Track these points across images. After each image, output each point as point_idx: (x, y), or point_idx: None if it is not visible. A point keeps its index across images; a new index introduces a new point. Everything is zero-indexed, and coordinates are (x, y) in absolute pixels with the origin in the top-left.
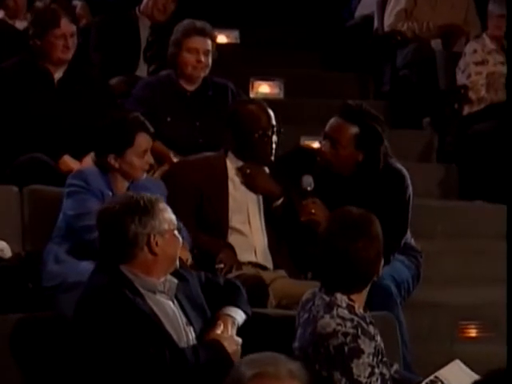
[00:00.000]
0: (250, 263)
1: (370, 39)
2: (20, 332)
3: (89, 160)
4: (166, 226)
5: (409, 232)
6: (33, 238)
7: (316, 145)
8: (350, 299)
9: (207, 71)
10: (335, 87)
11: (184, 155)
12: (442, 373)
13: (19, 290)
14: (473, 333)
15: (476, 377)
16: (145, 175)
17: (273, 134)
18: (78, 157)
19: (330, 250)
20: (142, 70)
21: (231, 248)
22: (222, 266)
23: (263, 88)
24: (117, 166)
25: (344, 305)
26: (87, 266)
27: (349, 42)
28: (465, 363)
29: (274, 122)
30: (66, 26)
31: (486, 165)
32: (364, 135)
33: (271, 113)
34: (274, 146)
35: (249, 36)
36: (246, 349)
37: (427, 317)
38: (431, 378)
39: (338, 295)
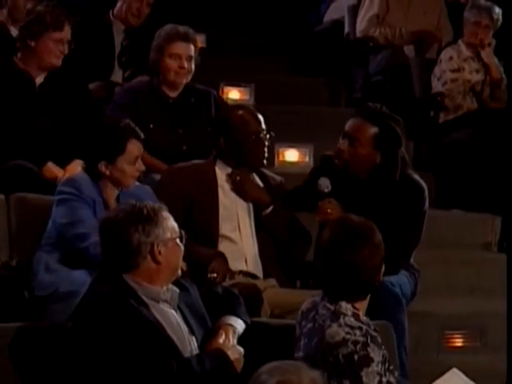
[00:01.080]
0: (241, 272)
1: (341, 44)
2: (19, 341)
3: (73, 167)
4: (169, 235)
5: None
6: (20, 247)
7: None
8: (355, 307)
9: (190, 77)
10: (306, 93)
11: (167, 163)
12: (440, 382)
13: (15, 300)
14: (459, 342)
15: None
16: (132, 184)
17: (265, 137)
18: (61, 163)
19: (335, 260)
20: (117, 76)
21: (223, 257)
22: (214, 275)
23: (233, 94)
24: (108, 173)
25: (349, 313)
26: (80, 275)
27: (318, 47)
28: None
29: (264, 126)
30: (67, 32)
31: (462, 173)
32: (383, 135)
33: (261, 117)
34: (266, 149)
35: (215, 40)
36: (246, 358)
37: (414, 327)
38: None
39: (343, 304)
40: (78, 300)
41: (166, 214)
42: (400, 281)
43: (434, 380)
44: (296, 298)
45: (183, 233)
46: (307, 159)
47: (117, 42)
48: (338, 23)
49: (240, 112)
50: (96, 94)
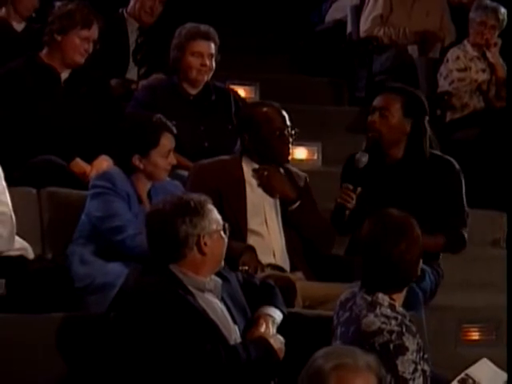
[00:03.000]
0: (269, 265)
1: (344, 44)
2: (64, 330)
3: (100, 162)
4: (214, 227)
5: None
6: (52, 241)
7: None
8: (391, 298)
9: (211, 75)
10: (309, 92)
11: (190, 159)
12: (472, 371)
13: (55, 291)
14: (475, 335)
15: (503, 374)
16: (165, 177)
17: (289, 133)
18: (86, 159)
19: (374, 254)
20: (132, 73)
21: (253, 250)
22: (246, 268)
23: (239, 92)
24: (141, 166)
25: (386, 304)
26: (115, 267)
27: (321, 47)
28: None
29: (288, 122)
30: (95, 31)
31: (469, 171)
32: (410, 102)
33: (285, 113)
34: (290, 146)
35: (220, 40)
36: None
37: (432, 320)
38: (462, 376)
39: (380, 295)
40: (115, 291)
41: (211, 206)
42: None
43: (453, 372)
44: (324, 290)
45: (227, 225)
46: (315, 157)
47: (131, 40)
48: (340, 23)
49: (264, 109)
50: (115, 91)
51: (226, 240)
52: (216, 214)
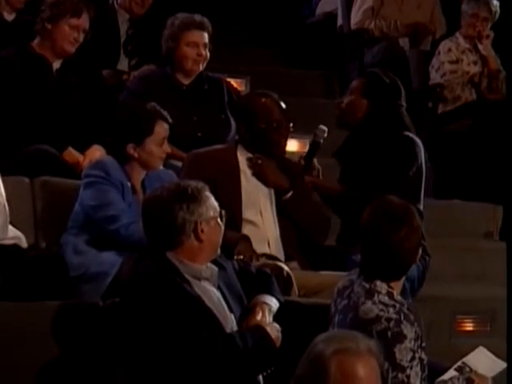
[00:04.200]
0: (264, 255)
1: (334, 37)
2: (60, 318)
3: (92, 152)
4: (211, 214)
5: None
6: (45, 230)
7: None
8: (390, 286)
9: (205, 65)
10: (300, 85)
11: (183, 150)
12: (469, 359)
13: (49, 279)
14: (470, 327)
15: (500, 362)
16: (160, 166)
17: (286, 126)
18: (79, 148)
19: (373, 241)
20: (123, 64)
21: (248, 240)
22: (241, 257)
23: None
24: (136, 155)
25: (384, 291)
26: (109, 257)
27: (311, 39)
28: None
29: (286, 115)
30: (85, 20)
31: (461, 163)
32: (369, 84)
33: (283, 105)
34: (286, 138)
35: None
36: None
37: (426, 311)
38: (459, 364)
39: (378, 282)
40: (109, 280)
41: (208, 193)
42: None
43: (446, 362)
44: (319, 279)
45: (224, 212)
46: (307, 149)
47: (122, 31)
48: (331, 15)
49: (263, 100)
50: (106, 81)
51: (223, 227)
52: (213, 201)
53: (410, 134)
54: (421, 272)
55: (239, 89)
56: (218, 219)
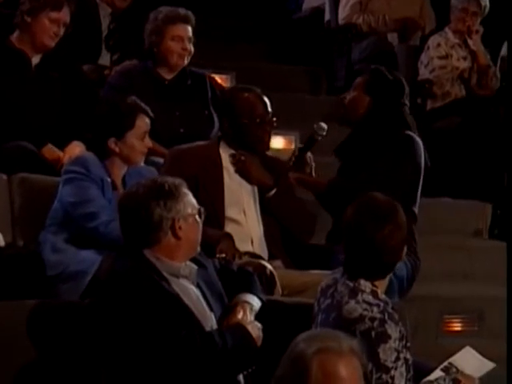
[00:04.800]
0: (247, 253)
1: (322, 32)
2: (36, 317)
3: (72, 148)
4: (189, 210)
5: (415, 236)
6: (23, 227)
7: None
8: (374, 285)
9: (189, 59)
10: (286, 81)
11: (165, 146)
12: (455, 359)
13: (27, 278)
14: (457, 327)
15: (487, 362)
16: (141, 161)
17: (270, 121)
18: (59, 145)
19: (357, 238)
20: (105, 59)
21: (231, 238)
22: (223, 255)
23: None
24: (117, 149)
25: (368, 290)
26: (88, 255)
27: (298, 35)
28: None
29: (270, 110)
30: (66, 14)
31: (450, 161)
32: (372, 81)
33: (267, 100)
34: (270, 134)
35: (195, 27)
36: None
37: (412, 311)
38: (445, 364)
39: (362, 281)
40: (88, 279)
41: (185, 189)
42: None
43: (433, 362)
44: (303, 278)
45: (202, 209)
46: (293, 146)
47: (104, 26)
48: (318, 10)
49: (246, 94)
50: (87, 76)
51: (201, 224)
52: (191, 198)
53: (411, 133)
54: (410, 272)
55: (224, 85)
56: (197, 216)
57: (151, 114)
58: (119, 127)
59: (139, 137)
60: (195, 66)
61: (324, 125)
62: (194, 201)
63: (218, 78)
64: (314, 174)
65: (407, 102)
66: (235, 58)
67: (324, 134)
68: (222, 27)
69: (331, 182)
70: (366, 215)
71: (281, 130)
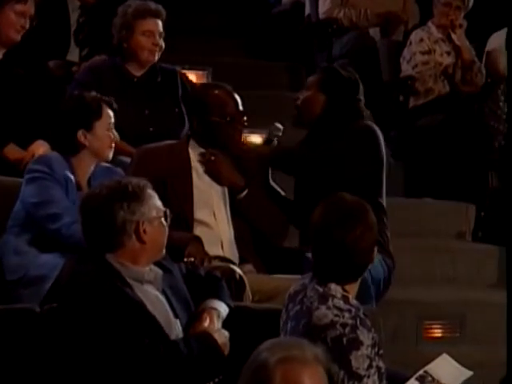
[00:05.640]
0: (217, 257)
1: (302, 26)
2: None
3: (36, 148)
4: (154, 213)
5: (388, 233)
6: None
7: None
8: (344, 290)
9: (159, 55)
10: (265, 78)
11: (133, 145)
12: (431, 367)
13: None
14: (438, 333)
15: (464, 370)
16: (111, 155)
17: (242, 119)
18: (22, 144)
19: (326, 240)
20: (74, 54)
21: (200, 241)
22: (191, 259)
23: (190, 78)
24: (87, 143)
25: (339, 295)
26: (50, 259)
27: (277, 30)
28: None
29: (241, 108)
30: (31, 6)
31: (433, 160)
32: (326, 78)
33: (238, 97)
34: (242, 133)
35: (169, 21)
36: (230, 343)
37: (391, 316)
38: (420, 373)
39: (332, 286)
40: (49, 285)
41: (151, 191)
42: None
43: (413, 370)
44: (275, 283)
45: (168, 212)
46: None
47: (72, 19)
48: (298, 4)
49: (216, 91)
50: (54, 73)
51: (167, 227)
52: (156, 200)
53: (369, 123)
54: (387, 273)
55: (200, 81)
56: (162, 219)
57: (115, 106)
58: (87, 118)
59: (107, 127)
60: (169, 62)
61: (279, 125)
62: (159, 203)
63: (193, 75)
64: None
65: (362, 98)
66: (212, 53)
67: (280, 134)
68: (199, 21)
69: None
70: (334, 216)
71: (258, 127)
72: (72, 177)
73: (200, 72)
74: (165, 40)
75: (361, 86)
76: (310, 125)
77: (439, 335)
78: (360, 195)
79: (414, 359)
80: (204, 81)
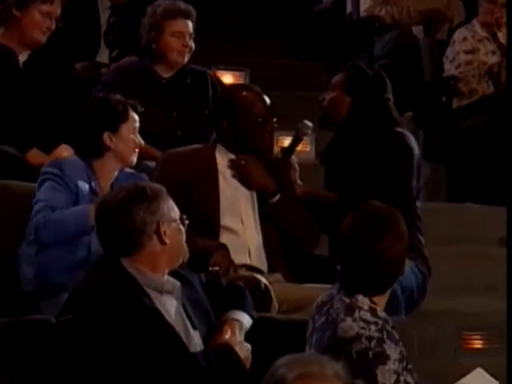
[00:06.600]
0: (244, 266)
1: (343, 25)
2: (7, 338)
3: (59, 152)
4: (172, 215)
5: (422, 238)
6: (2, 238)
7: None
8: (372, 301)
9: (189, 56)
10: (305, 78)
11: (161, 149)
12: (465, 381)
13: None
14: (478, 344)
15: None
16: (135, 160)
17: (272, 121)
18: (46, 149)
19: (353, 250)
20: (103, 56)
21: (226, 249)
22: (216, 268)
23: (226, 79)
24: (112, 145)
25: (366, 307)
26: (70, 268)
27: (318, 29)
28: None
29: (271, 109)
30: (57, 7)
31: (476, 164)
32: (352, 78)
33: (267, 99)
34: (273, 135)
35: (207, 21)
36: (253, 356)
37: (430, 327)
38: None
39: (360, 297)
40: (67, 294)
41: (167, 195)
42: None
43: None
44: (304, 293)
45: (184, 217)
46: (309, 149)
47: (103, 20)
48: (340, 2)
49: (245, 93)
50: (81, 74)
51: (184, 233)
52: (173, 203)
53: (402, 130)
54: (421, 281)
55: (237, 82)
56: (180, 224)
57: (140, 110)
58: (113, 120)
59: (133, 131)
60: (205, 62)
61: (309, 122)
62: (175, 207)
63: (230, 76)
64: (297, 178)
65: (391, 97)
66: (251, 53)
67: (309, 132)
68: (237, 20)
69: (341, 197)
70: (363, 225)
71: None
72: (86, 185)
73: (237, 73)
74: (201, 40)
75: (389, 84)
76: (335, 127)
77: (479, 346)
78: (392, 203)
79: (452, 371)
80: (241, 82)
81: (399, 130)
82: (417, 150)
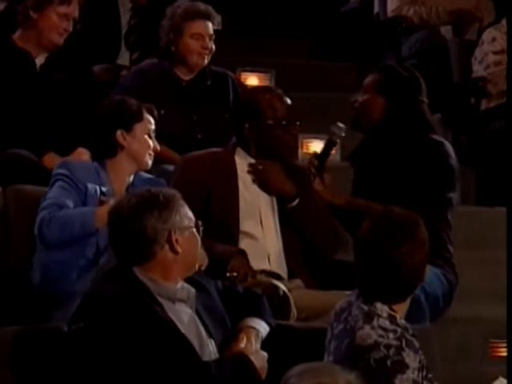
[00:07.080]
0: (263, 272)
1: (370, 25)
2: (19, 345)
3: (76, 156)
4: (186, 223)
5: (451, 248)
6: (18, 243)
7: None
8: (392, 309)
9: (210, 58)
10: (332, 79)
11: (180, 153)
12: None
13: (13, 300)
14: (505, 352)
15: None
16: (150, 163)
17: (295, 124)
18: (63, 153)
19: (372, 256)
20: (124, 58)
21: (244, 254)
22: (234, 274)
23: (251, 80)
24: (125, 144)
25: (385, 315)
26: (82, 275)
27: (345, 29)
28: None
29: (294, 111)
30: (75, 8)
31: (506, 167)
32: (386, 79)
33: (289, 101)
34: (296, 138)
35: (232, 22)
36: (270, 364)
37: (455, 334)
38: None
39: (379, 305)
40: (78, 301)
41: (181, 201)
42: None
43: None
44: (324, 300)
45: (200, 223)
46: (334, 151)
47: (123, 22)
48: (367, 2)
49: (267, 95)
50: (100, 77)
51: (200, 240)
52: (188, 210)
53: (438, 138)
54: (447, 288)
55: (262, 84)
56: (194, 230)
57: (155, 114)
58: (127, 119)
59: (147, 132)
60: (230, 64)
61: (342, 124)
62: (190, 214)
63: (255, 77)
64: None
65: (426, 99)
66: (276, 54)
67: (343, 134)
68: (262, 21)
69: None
70: (381, 231)
71: (321, 133)
72: (96, 186)
73: (262, 74)
74: (227, 41)
75: (423, 86)
76: (367, 130)
77: (506, 354)
78: (429, 213)
79: (478, 379)
80: (267, 83)
81: (436, 137)
82: (455, 161)
